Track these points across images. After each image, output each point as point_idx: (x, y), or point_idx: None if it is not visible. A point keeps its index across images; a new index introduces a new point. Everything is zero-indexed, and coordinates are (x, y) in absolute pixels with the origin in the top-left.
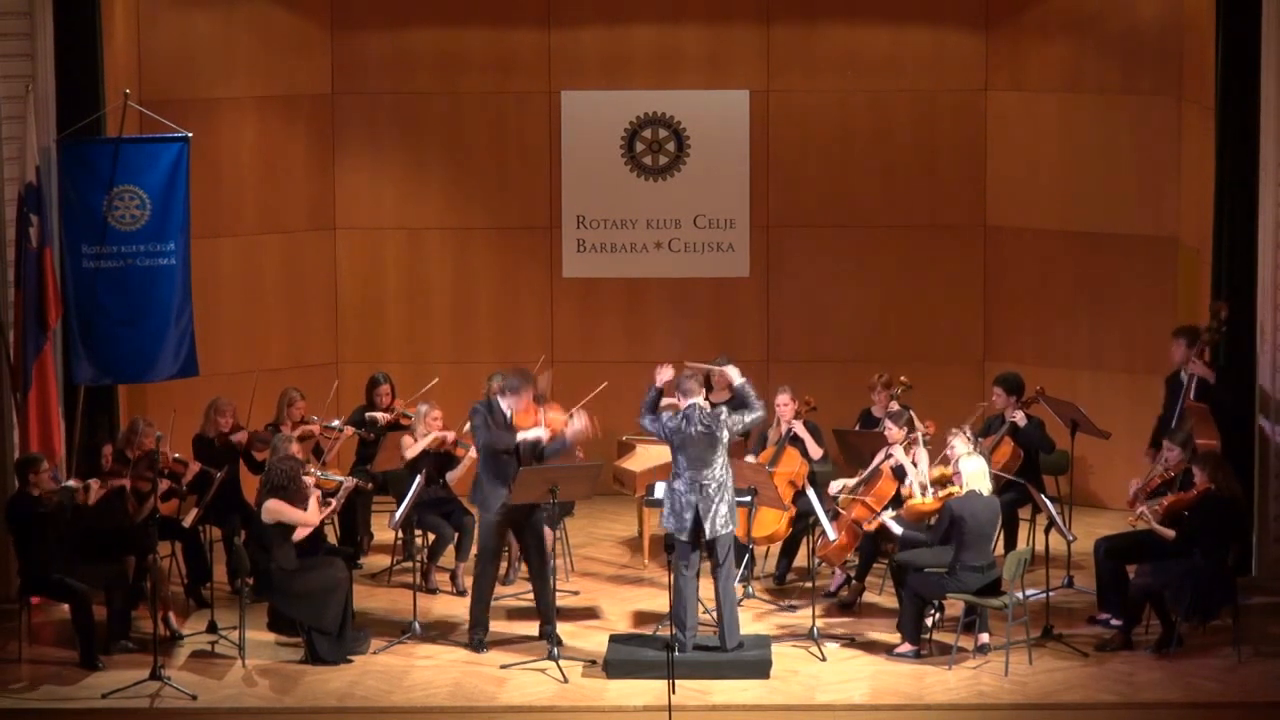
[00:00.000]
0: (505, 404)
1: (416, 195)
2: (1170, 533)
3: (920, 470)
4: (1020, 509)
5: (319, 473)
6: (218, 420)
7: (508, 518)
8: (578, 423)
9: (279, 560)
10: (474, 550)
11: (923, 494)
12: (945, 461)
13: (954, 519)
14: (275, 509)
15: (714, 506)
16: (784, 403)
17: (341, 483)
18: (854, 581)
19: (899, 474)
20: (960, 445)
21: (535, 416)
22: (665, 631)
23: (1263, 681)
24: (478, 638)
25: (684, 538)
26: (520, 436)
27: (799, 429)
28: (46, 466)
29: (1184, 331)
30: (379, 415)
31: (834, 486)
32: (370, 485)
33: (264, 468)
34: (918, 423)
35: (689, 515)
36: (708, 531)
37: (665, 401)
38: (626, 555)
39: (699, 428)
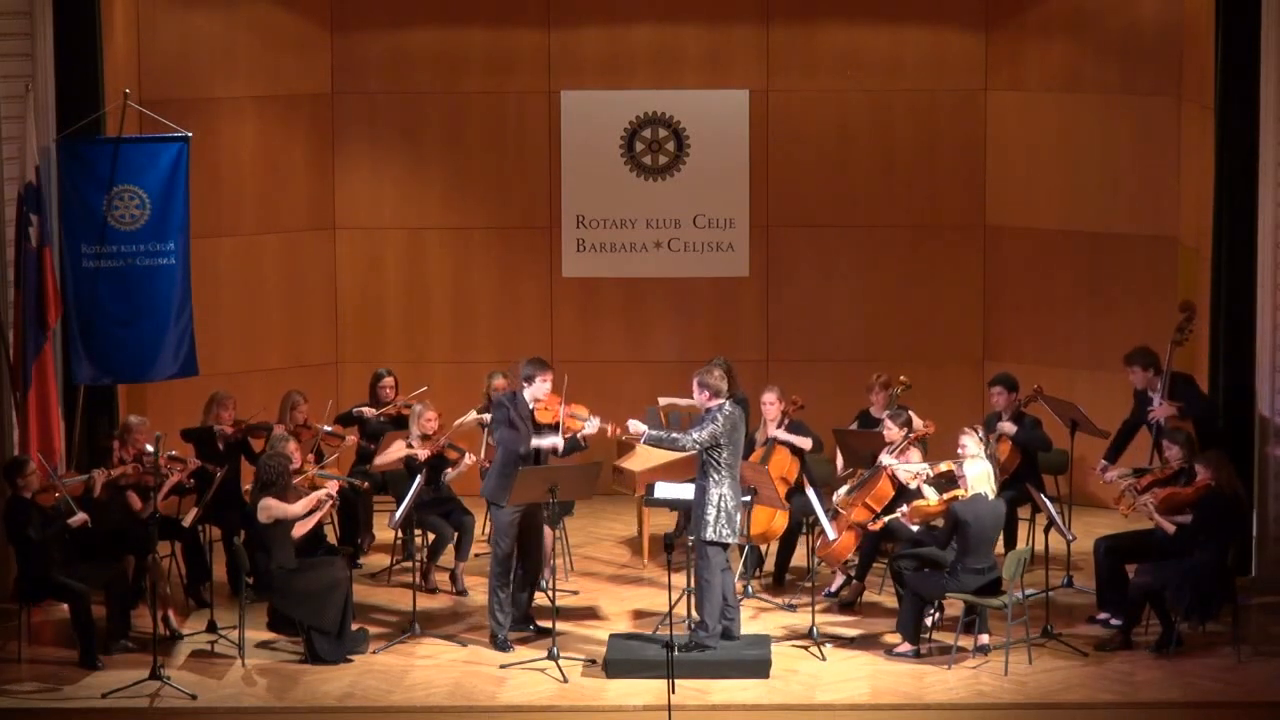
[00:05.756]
0: (528, 394)
1: (416, 195)
2: (1171, 526)
3: (915, 474)
4: (1020, 508)
5: (316, 473)
6: (220, 414)
7: (522, 512)
8: (592, 426)
9: (279, 560)
10: (474, 552)
11: (922, 494)
12: (957, 459)
13: (958, 522)
14: (268, 506)
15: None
16: (770, 401)
17: (346, 482)
18: (854, 581)
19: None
20: (971, 445)
21: (556, 409)
22: (665, 630)
23: (1263, 681)
24: (501, 636)
25: (737, 540)
26: (535, 443)
27: (780, 435)
28: (33, 468)
29: (1137, 357)
30: (365, 411)
31: (837, 495)
32: (366, 485)
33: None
34: (916, 421)
35: (740, 517)
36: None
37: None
38: (626, 555)
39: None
